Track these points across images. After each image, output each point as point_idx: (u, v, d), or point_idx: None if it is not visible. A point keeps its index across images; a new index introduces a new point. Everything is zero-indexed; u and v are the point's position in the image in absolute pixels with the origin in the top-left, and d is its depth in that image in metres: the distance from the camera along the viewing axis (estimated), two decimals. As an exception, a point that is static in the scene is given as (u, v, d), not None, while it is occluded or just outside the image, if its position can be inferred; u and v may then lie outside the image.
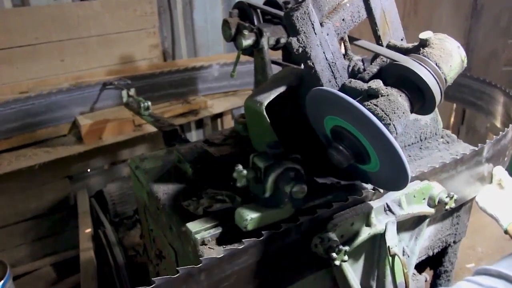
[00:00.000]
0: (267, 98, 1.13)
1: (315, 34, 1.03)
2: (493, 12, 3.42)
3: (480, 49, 3.58)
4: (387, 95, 0.94)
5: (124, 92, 2.35)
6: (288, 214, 1.04)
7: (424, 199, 1.17)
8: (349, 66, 1.11)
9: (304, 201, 1.05)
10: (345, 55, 1.16)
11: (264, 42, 1.45)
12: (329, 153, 0.96)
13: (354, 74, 1.10)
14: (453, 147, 1.38)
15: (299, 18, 1.00)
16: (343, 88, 1.07)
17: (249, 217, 0.99)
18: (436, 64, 0.98)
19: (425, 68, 0.97)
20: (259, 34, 1.44)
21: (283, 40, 1.50)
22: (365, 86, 0.99)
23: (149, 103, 2.13)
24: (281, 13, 1.46)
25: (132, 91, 2.35)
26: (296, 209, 1.05)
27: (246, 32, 1.43)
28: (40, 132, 2.43)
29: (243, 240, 0.93)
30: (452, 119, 3.81)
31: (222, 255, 0.90)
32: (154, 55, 2.95)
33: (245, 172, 1.01)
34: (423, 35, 1.01)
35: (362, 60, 1.13)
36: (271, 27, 1.49)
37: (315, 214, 1.01)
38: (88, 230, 2.36)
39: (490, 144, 1.28)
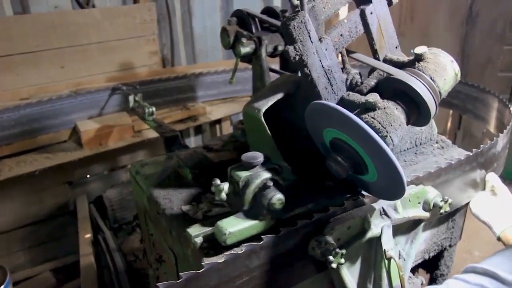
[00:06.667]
0: (264, 105, 1.16)
1: (312, 42, 1.06)
2: (488, 18, 3.44)
3: (476, 55, 3.60)
4: (384, 108, 0.97)
5: (131, 97, 2.37)
6: (268, 225, 1.03)
7: (419, 203, 1.18)
8: (347, 79, 1.14)
9: (284, 211, 1.03)
10: (343, 68, 1.18)
11: (262, 49, 1.47)
12: (328, 164, 0.98)
13: (352, 87, 1.14)
14: (448, 152, 1.41)
15: (295, 27, 1.03)
16: (342, 101, 1.10)
17: (228, 231, 0.97)
18: (431, 78, 1.01)
19: (420, 82, 1.00)
20: (258, 42, 1.47)
21: (280, 48, 1.52)
22: (362, 99, 1.02)
23: (154, 108, 2.14)
24: (278, 23, 1.49)
25: (139, 97, 2.36)
26: (276, 220, 1.04)
27: (244, 40, 1.45)
28: (40, 138, 2.44)
29: (242, 245, 0.94)
30: (449, 124, 3.83)
31: (223, 259, 0.91)
32: (153, 61, 2.97)
33: (222, 186, 1.00)
34: (418, 50, 1.04)
35: (360, 74, 1.16)
36: (269, 34, 1.51)
37: (311, 218, 1.02)
38: (88, 236, 2.37)
39: (482, 150, 1.30)
